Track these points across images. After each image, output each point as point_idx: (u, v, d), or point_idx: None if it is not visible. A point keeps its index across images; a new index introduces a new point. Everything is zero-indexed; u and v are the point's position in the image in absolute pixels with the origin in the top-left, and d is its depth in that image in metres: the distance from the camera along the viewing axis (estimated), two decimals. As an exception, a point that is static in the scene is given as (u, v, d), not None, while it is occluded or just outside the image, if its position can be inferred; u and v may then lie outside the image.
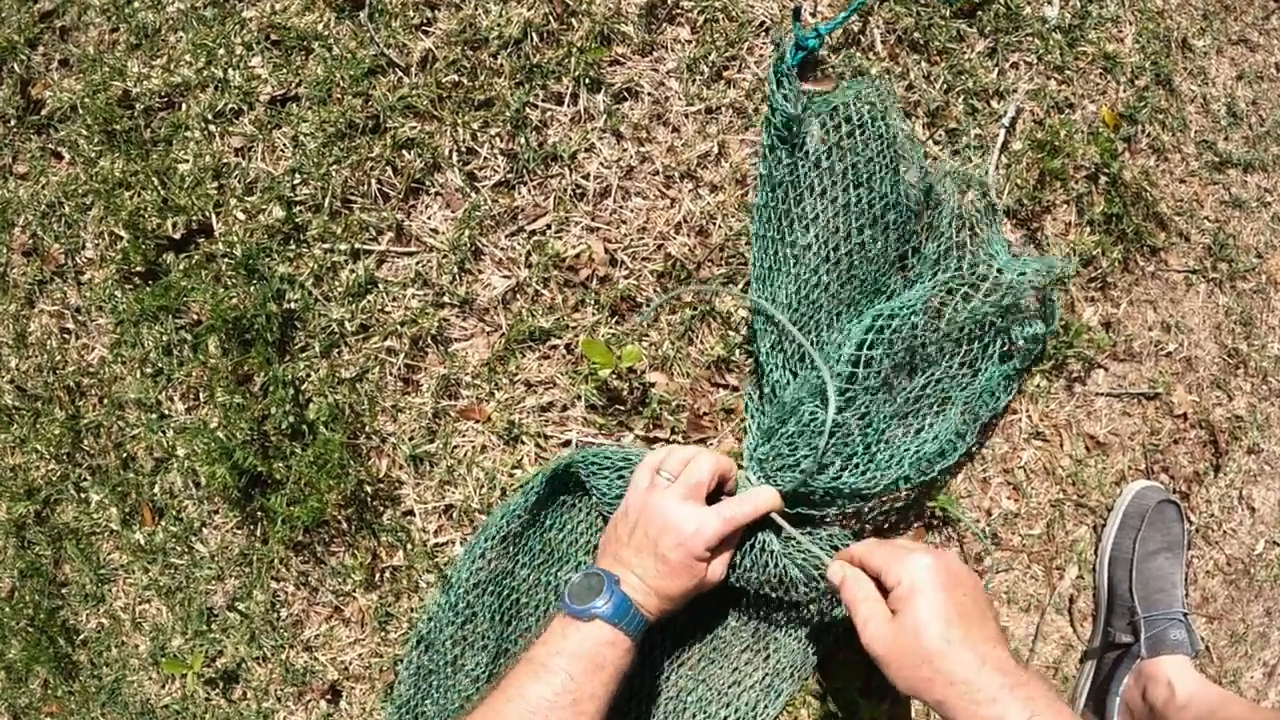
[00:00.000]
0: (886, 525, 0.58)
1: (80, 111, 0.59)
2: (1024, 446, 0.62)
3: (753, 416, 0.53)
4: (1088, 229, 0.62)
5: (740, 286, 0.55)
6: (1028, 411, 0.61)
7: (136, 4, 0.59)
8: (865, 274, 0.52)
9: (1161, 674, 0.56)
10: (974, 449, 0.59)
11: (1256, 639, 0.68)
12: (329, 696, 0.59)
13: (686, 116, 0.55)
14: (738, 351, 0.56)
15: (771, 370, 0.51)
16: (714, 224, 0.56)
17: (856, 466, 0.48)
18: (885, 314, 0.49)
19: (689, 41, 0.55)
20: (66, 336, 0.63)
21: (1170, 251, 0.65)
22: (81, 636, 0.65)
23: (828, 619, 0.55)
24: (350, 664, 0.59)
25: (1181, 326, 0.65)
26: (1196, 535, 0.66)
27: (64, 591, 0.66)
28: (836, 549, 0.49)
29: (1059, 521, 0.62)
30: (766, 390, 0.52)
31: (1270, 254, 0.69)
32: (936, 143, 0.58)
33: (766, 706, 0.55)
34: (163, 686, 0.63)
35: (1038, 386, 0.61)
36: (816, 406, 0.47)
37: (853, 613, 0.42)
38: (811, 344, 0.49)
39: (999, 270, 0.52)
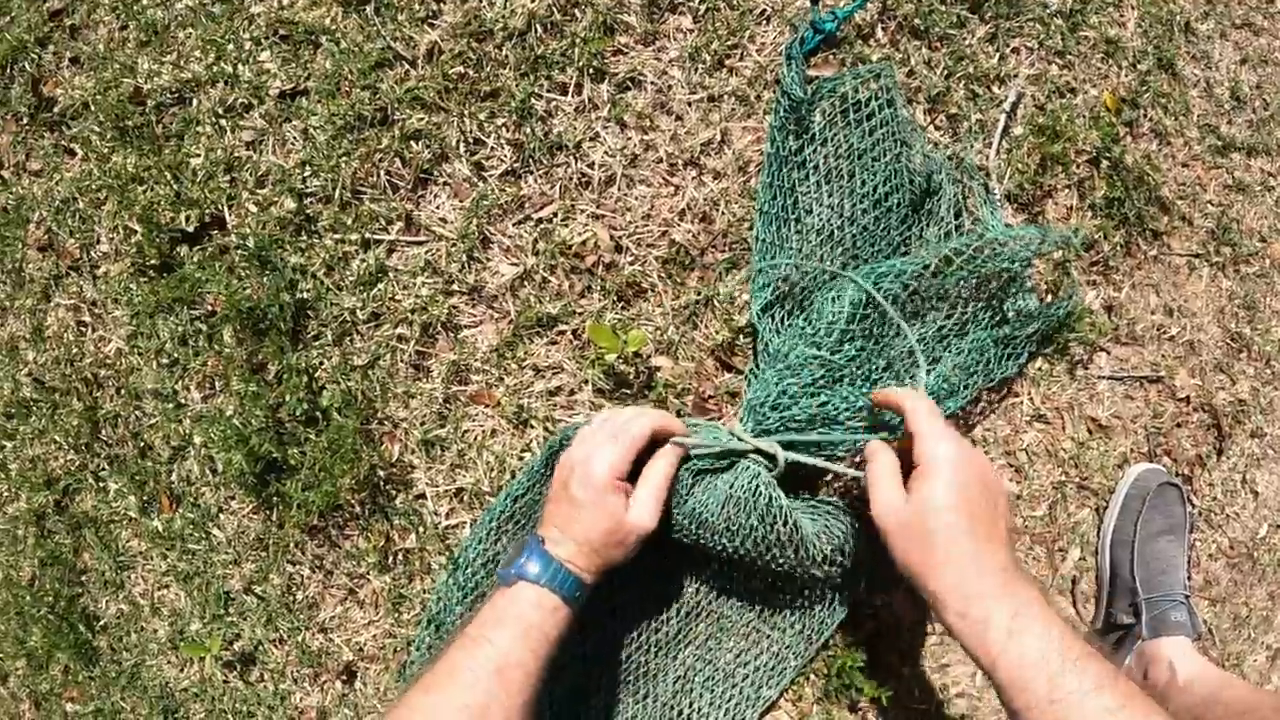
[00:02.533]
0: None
1: (92, 108, 0.60)
2: (1025, 429, 0.62)
3: (749, 381, 0.54)
4: (1089, 213, 0.62)
5: (745, 270, 0.56)
6: (1029, 394, 0.62)
7: (145, 1, 0.60)
8: (866, 255, 0.53)
9: (1163, 655, 0.57)
10: (974, 418, 0.60)
11: (1260, 623, 0.69)
12: (344, 677, 0.61)
13: (689, 105, 0.56)
14: (741, 336, 0.56)
15: (765, 330, 0.52)
16: (717, 210, 0.56)
17: (848, 399, 0.48)
18: (881, 270, 0.49)
19: (691, 30, 0.56)
20: (83, 329, 0.64)
21: (1173, 235, 0.65)
22: (101, 623, 0.67)
23: (831, 599, 0.55)
24: (365, 645, 0.60)
25: (1184, 310, 0.66)
26: (1199, 518, 0.67)
27: (84, 579, 0.67)
28: (832, 514, 0.49)
29: (1061, 503, 0.63)
30: (760, 349, 0.53)
31: (1274, 238, 0.69)
32: (938, 128, 0.59)
33: (771, 686, 0.56)
34: (181, 670, 0.65)
35: (1039, 369, 0.61)
36: (806, 347, 0.48)
37: (872, 485, 0.41)
38: (805, 315, 0.50)
39: (987, 231, 0.52)
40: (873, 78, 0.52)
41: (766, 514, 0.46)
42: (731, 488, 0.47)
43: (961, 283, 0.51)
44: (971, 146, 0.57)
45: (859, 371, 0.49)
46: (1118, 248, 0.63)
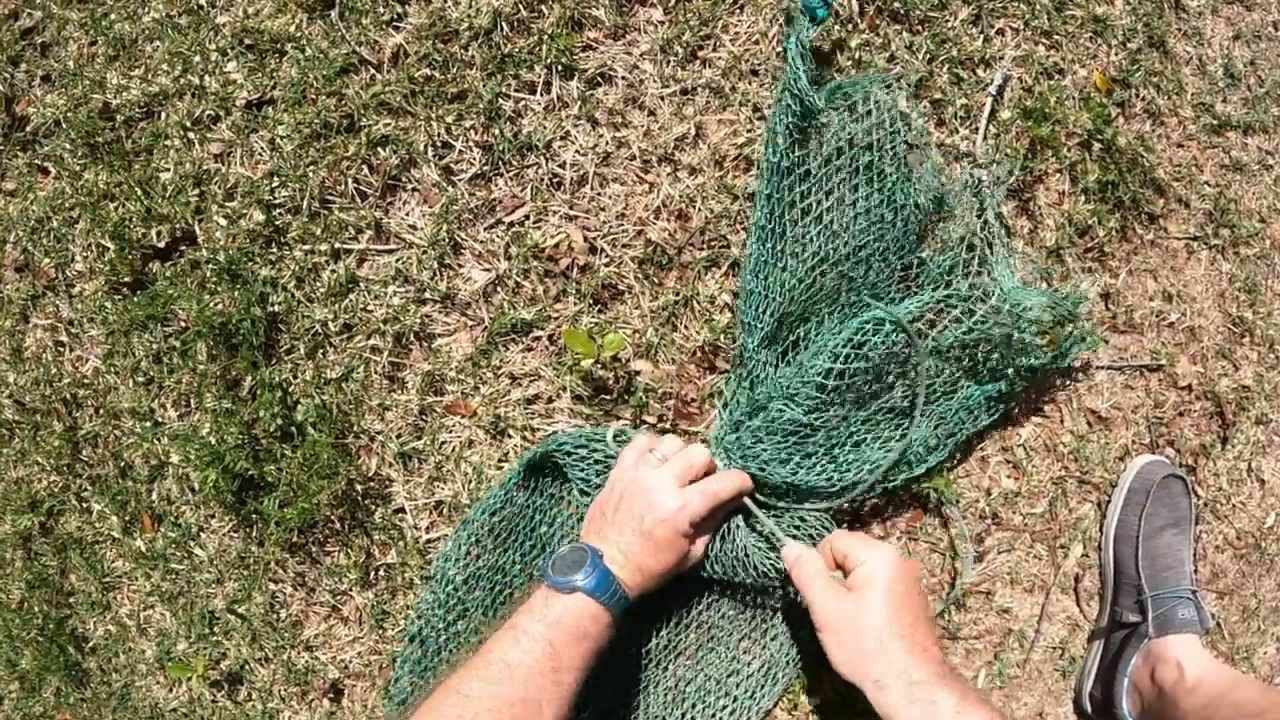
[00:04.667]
0: (882, 505, 0.57)
1: (64, 126, 0.60)
2: (1022, 424, 0.60)
3: (725, 406, 0.53)
4: (1082, 198, 0.60)
5: (725, 268, 0.55)
6: (1025, 388, 0.60)
7: (113, 16, 0.59)
8: (864, 278, 0.51)
9: (1170, 654, 0.55)
10: (957, 449, 0.57)
11: (1269, 614, 0.67)
12: (331, 695, 0.60)
13: (662, 99, 0.55)
14: (723, 337, 0.55)
15: (754, 365, 0.51)
16: (694, 207, 0.55)
17: (815, 466, 0.47)
18: (872, 322, 0.47)
19: (661, 22, 0.54)
20: (61, 350, 0.63)
21: (1169, 218, 0.63)
22: (90, 644, 0.66)
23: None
24: (350, 662, 0.59)
25: (1183, 295, 0.64)
26: (1205, 509, 0.65)
27: (71, 601, 0.67)
28: (803, 527, 0.49)
29: (1062, 499, 0.61)
30: (745, 383, 0.51)
31: (1274, 218, 0.67)
32: (922, 114, 0.57)
33: (765, 695, 0.55)
34: (170, 690, 0.64)
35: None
36: (783, 407, 0.47)
37: (805, 588, 0.44)
38: (794, 344, 0.49)
39: (998, 297, 0.50)
40: (884, 86, 0.49)
41: (725, 543, 0.47)
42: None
43: (958, 339, 0.49)
44: (988, 182, 0.53)
45: (838, 431, 0.48)
46: (1112, 233, 0.61)
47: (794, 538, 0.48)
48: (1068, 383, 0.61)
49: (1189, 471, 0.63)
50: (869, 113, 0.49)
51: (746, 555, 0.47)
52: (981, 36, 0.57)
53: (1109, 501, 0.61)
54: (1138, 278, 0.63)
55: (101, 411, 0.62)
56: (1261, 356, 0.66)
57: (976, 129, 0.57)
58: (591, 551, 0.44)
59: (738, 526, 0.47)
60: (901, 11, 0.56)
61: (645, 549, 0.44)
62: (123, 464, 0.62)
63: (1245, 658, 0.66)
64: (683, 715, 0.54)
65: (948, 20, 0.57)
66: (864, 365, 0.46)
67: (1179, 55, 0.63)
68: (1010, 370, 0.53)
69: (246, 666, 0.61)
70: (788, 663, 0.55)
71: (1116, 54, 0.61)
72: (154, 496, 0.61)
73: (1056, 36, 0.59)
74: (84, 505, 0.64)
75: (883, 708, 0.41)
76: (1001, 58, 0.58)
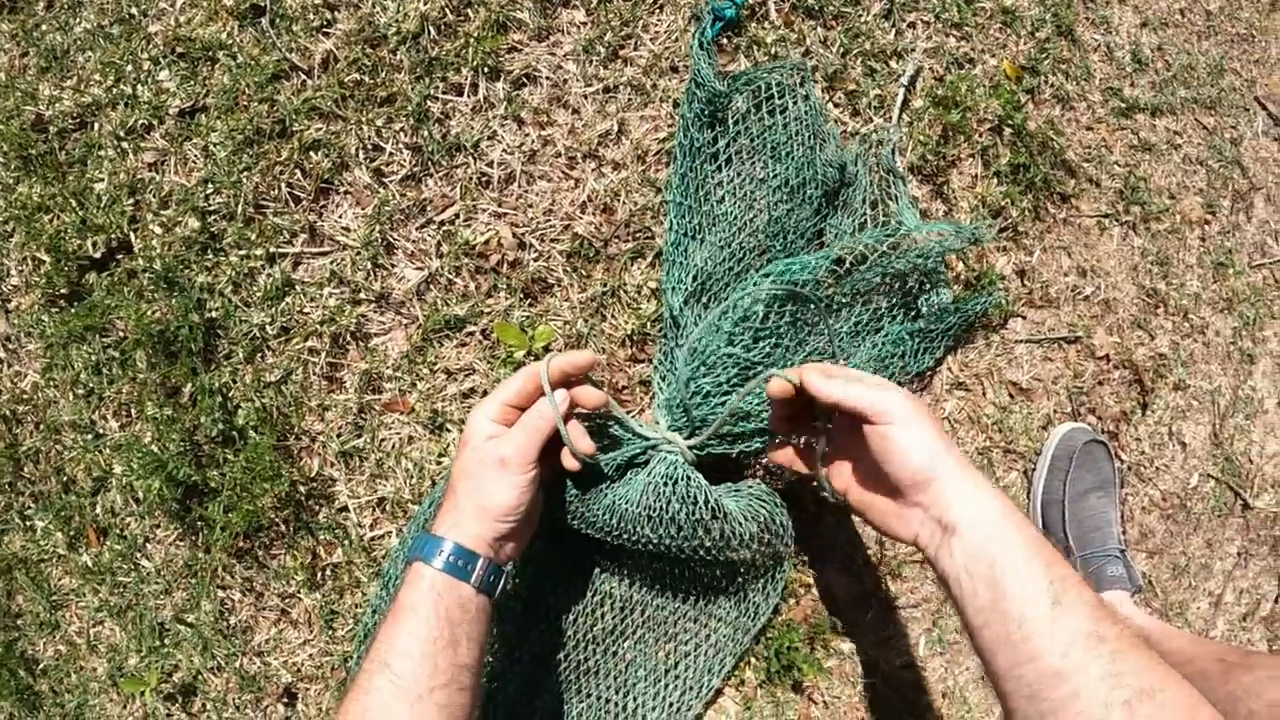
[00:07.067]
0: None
1: (-4, 139, 0.59)
2: (946, 397, 0.63)
3: (659, 375, 0.54)
4: (994, 180, 0.63)
5: (650, 259, 0.56)
6: (947, 363, 0.62)
7: (44, 27, 0.59)
8: (779, 245, 0.53)
9: (1101, 610, 0.57)
10: None
11: (1199, 570, 0.70)
12: (285, 700, 0.60)
13: (585, 98, 0.56)
14: (649, 325, 0.57)
15: (687, 323, 0.52)
16: (618, 201, 0.57)
17: (761, 396, 0.47)
18: (794, 265, 0.49)
19: (584, 23, 0.56)
20: (0, 366, 0.63)
21: (1081, 197, 0.66)
22: (41, 666, 0.65)
23: (764, 584, 0.55)
24: (302, 665, 0.59)
25: (1097, 270, 0.67)
26: (1129, 473, 0.68)
27: (19, 623, 0.65)
28: (756, 494, 0.49)
29: (987, 469, 0.64)
30: (676, 343, 0.53)
31: (1183, 195, 0.71)
32: (836, 105, 0.59)
33: (715, 675, 0.56)
34: (124, 707, 0.63)
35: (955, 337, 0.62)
36: (720, 344, 0.47)
37: (846, 389, 0.38)
38: (722, 310, 0.50)
39: (900, 226, 0.53)
40: (787, 72, 0.52)
41: (686, 495, 0.46)
42: (650, 475, 0.47)
43: (875, 278, 0.52)
44: (870, 122, 0.58)
45: (776, 368, 0.48)
46: (1025, 213, 0.64)
47: (749, 517, 0.48)
48: (988, 356, 0.63)
49: (1111, 437, 0.66)
50: (774, 94, 0.52)
51: (721, 509, 0.46)
52: (894, 30, 0.60)
53: (1034, 469, 0.64)
54: (1052, 254, 0.66)
55: (42, 426, 0.61)
56: (1176, 325, 0.69)
57: (890, 117, 0.59)
58: (429, 540, 0.40)
59: (700, 486, 0.45)
60: (816, 7, 0.58)
61: (473, 489, 0.41)
62: (65, 478, 0.61)
63: (1179, 614, 0.69)
64: (635, 699, 0.55)
65: (861, 15, 0.59)
66: (795, 305, 0.47)
67: (1087, 43, 0.67)
68: (925, 308, 0.55)
69: (199, 677, 0.60)
70: (733, 643, 0.56)
71: (1026, 43, 0.64)
72: (98, 510, 0.61)
73: (967, 28, 0.62)
74: (28, 523, 0.63)
75: (965, 486, 0.35)
76: (913, 50, 0.60)
